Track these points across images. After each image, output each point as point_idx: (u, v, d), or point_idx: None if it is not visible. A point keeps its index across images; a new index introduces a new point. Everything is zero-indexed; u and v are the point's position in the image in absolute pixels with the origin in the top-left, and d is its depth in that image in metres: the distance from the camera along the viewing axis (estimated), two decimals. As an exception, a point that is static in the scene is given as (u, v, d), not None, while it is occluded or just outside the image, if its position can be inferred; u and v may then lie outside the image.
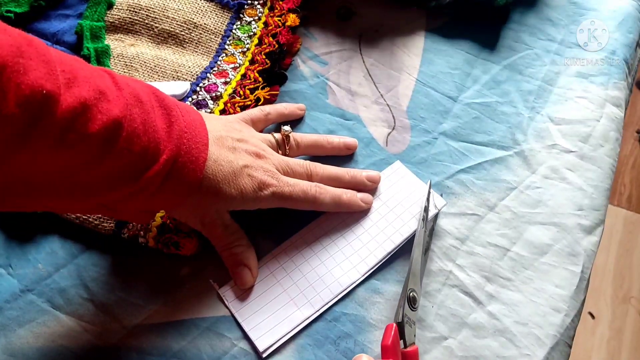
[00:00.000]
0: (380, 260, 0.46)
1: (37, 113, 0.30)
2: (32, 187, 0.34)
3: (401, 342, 0.40)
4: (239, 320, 0.43)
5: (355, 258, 0.46)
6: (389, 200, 0.48)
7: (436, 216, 0.48)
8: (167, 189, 0.38)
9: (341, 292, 0.44)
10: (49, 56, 0.32)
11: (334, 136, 0.50)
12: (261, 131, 0.49)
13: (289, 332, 0.43)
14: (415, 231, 0.45)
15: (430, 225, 0.47)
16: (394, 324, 0.40)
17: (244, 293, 0.44)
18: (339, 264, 0.45)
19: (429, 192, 0.47)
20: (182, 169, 0.38)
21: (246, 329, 0.43)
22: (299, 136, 0.48)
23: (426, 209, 0.46)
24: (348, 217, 0.47)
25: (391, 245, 0.46)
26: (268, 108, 0.50)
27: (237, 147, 0.43)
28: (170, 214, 0.45)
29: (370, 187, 0.48)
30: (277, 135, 0.48)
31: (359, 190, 0.47)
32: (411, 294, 0.42)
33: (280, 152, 0.47)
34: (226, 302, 0.44)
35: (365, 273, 0.45)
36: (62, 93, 0.31)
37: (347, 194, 0.46)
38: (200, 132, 0.40)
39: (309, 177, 0.46)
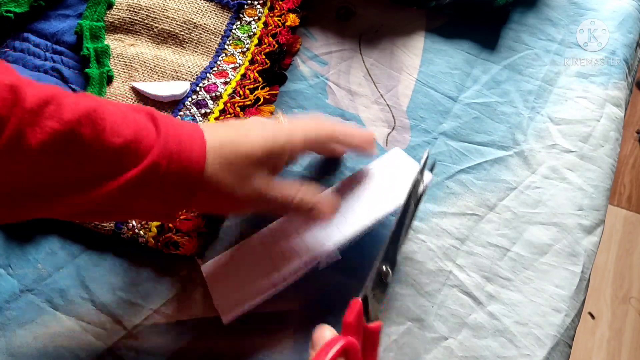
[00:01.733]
0: (360, 232, 0.43)
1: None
2: (13, 195, 0.33)
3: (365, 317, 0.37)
4: (209, 287, 0.42)
5: (332, 228, 0.43)
6: (378, 179, 0.46)
7: (423, 192, 0.44)
8: (161, 187, 0.36)
9: (312, 261, 0.43)
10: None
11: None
12: None
13: (252, 301, 0.42)
14: (400, 206, 0.42)
15: (416, 199, 0.43)
16: (360, 300, 0.36)
17: (220, 266, 0.43)
18: (314, 233, 0.43)
19: (424, 164, 0.43)
20: (175, 170, 0.35)
21: (213, 297, 0.42)
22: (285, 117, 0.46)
23: (417, 182, 0.42)
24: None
25: (371, 218, 0.43)
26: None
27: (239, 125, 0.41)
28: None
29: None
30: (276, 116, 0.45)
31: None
32: (384, 267, 0.39)
33: None
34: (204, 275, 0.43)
35: (341, 242, 0.43)
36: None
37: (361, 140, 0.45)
38: (196, 133, 0.37)
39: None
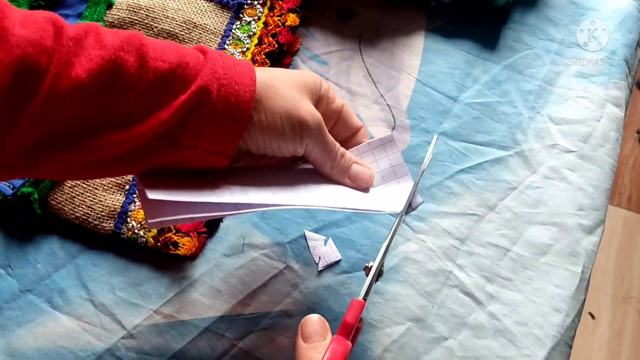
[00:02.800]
0: (330, 207, 0.38)
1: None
2: (70, 134, 0.31)
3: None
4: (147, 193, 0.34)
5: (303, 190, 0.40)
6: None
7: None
8: (207, 117, 0.34)
9: (271, 205, 0.37)
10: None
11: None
12: None
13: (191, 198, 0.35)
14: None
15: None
16: (364, 302, 0.36)
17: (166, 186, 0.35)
18: (284, 187, 0.39)
19: (430, 152, 0.42)
20: (225, 97, 0.34)
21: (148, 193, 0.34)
22: None
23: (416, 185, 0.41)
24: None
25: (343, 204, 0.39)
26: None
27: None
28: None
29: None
30: None
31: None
32: (382, 268, 0.39)
33: None
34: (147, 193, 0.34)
35: (306, 205, 0.38)
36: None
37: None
38: (246, 66, 0.36)
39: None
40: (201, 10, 0.57)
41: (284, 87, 0.37)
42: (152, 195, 0.34)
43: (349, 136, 0.43)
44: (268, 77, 0.37)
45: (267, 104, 0.36)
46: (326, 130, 0.39)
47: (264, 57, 0.54)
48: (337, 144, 0.40)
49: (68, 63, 0.30)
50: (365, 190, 0.43)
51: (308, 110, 0.38)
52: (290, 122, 0.37)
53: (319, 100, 0.40)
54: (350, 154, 0.42)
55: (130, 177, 0.48)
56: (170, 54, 0.33)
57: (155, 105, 0.33)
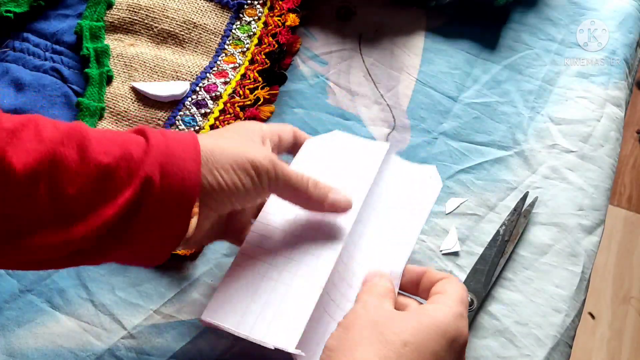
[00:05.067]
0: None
1: None
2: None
3: None
4: (243, 333, 0.36)
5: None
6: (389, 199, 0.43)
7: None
8: (148, 215, 0.32)
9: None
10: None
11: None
12: None
13: (302, 316, 0.36)
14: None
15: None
16: None
17: (226, 304, 0.37)
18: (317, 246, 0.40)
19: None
20: (168, 189, 0.33)
21: (261, 338, 0.35)
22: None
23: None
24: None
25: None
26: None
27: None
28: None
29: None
30: None
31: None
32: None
33: None
34: (216, 322, 0.37)
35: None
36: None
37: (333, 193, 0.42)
38: (190, 145, 0.35)
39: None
40: (201, 10, 0.57)
41: (228, 143, 0.37)
42: (206, 317, 0.36)
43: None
44: (211, 143, 0.36)
45: (215, 166, 0.35)
46: (284, 165, 0.38)
47: (264, 57, 0.54)
48: (305, 176, 0.39)
49: (2, 155, 0.28)
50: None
51: (257, 152, 0.37)
52: (244, 170, 0.36)
53: (267, 139, 0.40)
54: (324, 183, 0.40)
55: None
56: (113, 145, 0.32)
57: (99, 201, 0.31)
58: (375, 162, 0.43)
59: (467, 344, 0.35)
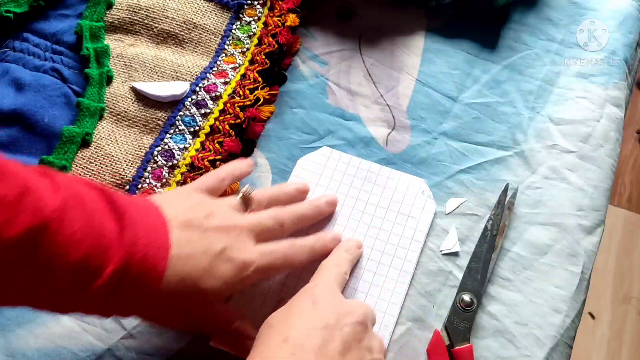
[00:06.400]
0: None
1: None
2: None
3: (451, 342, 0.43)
4: None
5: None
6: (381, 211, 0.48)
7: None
8: (118, 300, 0.35)
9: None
10: None
11: (287, 184, 0.49)
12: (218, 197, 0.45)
13: None
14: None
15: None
16: (438, 330, 0.43)
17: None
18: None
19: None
20: (137, 279, 0.34)
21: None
22: (260, 194, 0.45)
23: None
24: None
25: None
26: (223, 173, 0.45)
27: (207, 226, 0.39)
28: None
29: (329, 211, 0.47)
30: (240, 195, 0.44)
31: (321, 218, 0.47)
32: (466, 298, 0.44)
33: (246, 212, 0.44)
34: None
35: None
36: None
37: (318, 242, 0.44)
38: (160, 235, 0.36)
39: (281, 226, 0.43)
40: (201, 10, 0.57)
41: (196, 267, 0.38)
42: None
43: (288, 201, 0.46)
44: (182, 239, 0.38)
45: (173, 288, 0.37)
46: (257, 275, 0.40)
47: (264, 57, 0.54)
48: (279, 249, 0.41)
49: None
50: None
51: (210, 284, 0.38)
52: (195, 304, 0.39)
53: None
54: (302, 240, 0.43)
55: (130, 177, 0.48)
56: (84, 238, 0.33)
57: (71, 292, 0.33)
58: (368, 182, 0.49)
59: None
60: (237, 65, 0.54)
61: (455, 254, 0.47)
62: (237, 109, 0.51)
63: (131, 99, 0.52)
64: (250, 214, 0.43)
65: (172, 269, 0.36)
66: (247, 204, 0.44)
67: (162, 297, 0.36)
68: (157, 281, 0.35)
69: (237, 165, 0.47)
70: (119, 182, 0.48)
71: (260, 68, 0.53)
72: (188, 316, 0.39)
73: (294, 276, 0.45)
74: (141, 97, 0.52)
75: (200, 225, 0.39)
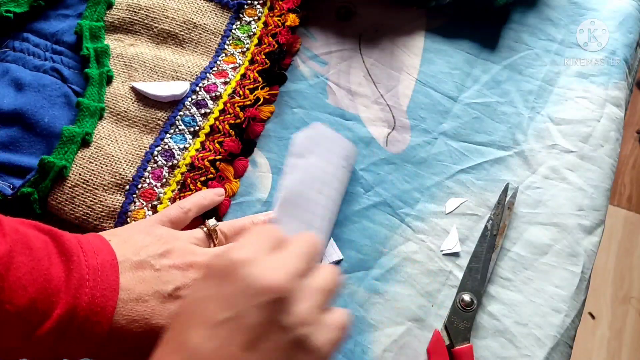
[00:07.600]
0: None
1: None
2: None
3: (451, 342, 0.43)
4: None
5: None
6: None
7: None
8: (68, 344, 0.35)
9: None
10: None
11: (258, 215, 0.47)
12: (183, 229, 0.45)
13: None
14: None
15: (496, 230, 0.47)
16: (438, 330, 0.43)
17: None
18: None
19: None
20: (85, 322, 0.34)
21: None
22: (225, 226, 0.45)
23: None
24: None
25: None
26: (187, 204, 0.45)
27: (162, 266, 0.39)
28: None
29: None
30: (205, 229, 0.44)
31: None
32: (466, 297, 0.44)
33: (210, 245, 0.44)
34: None
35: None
36: None
37: None
38: (109, 277, 0.36)
39: None
40: (201, 10, 0.57)
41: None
42: None
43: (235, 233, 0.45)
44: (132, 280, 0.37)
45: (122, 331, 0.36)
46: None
47: (264, 57, 0.54)
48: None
49: None
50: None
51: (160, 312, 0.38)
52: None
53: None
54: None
55: (130, 177, 0.48)
56: (30, 284, 0.33)
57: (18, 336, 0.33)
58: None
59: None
60: (237, 65, 0.54)
61: (455, 254, 0.47)
62: (237, 109, 0.51)
63: (131, 99, 0.52)
64: (214, 248, 0.42)
65: (122, 310, 0.36)
66: (212, 236, 0.43)
67: (113, 339, 0.36)
68: (107, 323, 0.35)
69: (203, 195, 0.46)
70: (119, 182, 0.48)
71: (260, 68, 0.53)
72: (142, 354, 0.38)
73: None
74: (141, 97, 0.52)
75: (155, 264, 0.38)
